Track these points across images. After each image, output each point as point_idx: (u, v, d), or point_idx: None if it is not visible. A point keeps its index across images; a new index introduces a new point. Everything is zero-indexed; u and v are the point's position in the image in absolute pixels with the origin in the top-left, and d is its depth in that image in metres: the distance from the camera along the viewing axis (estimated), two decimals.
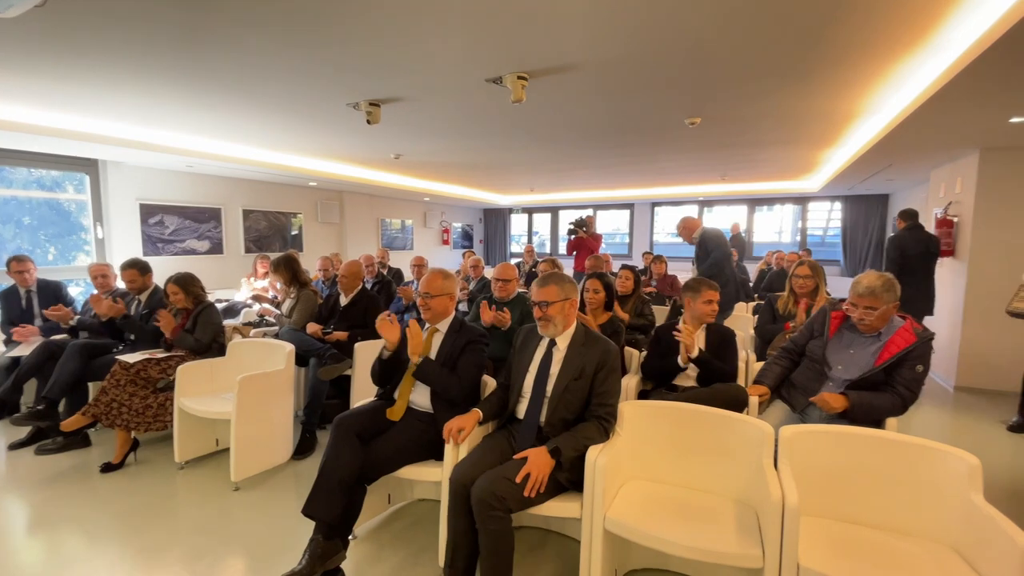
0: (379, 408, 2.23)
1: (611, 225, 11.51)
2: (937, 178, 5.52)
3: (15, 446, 3.26)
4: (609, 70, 3.05)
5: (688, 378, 2.63)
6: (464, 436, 1.99)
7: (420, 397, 2.26)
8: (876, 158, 5.14)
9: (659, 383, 2.70)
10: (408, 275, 5.90)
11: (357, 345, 3.49)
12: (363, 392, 3.23)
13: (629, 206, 10.97)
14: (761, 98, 3.62)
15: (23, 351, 3.53)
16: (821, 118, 4.21)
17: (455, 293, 2.39)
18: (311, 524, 1.95)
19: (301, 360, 3.37)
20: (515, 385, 2.13)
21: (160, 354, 3.20)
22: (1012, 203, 4.44)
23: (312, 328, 3.49)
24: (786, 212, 9.91)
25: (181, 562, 2.14)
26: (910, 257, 4.52)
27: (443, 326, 2.35)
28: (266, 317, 4.42)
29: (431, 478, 2.08)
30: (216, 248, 6.76)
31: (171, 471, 2.97)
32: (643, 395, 2.70)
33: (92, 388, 3.45)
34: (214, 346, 3.35)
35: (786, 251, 7.21)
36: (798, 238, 9.64)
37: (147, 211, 5.97)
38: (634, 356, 3.00)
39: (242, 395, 2.73)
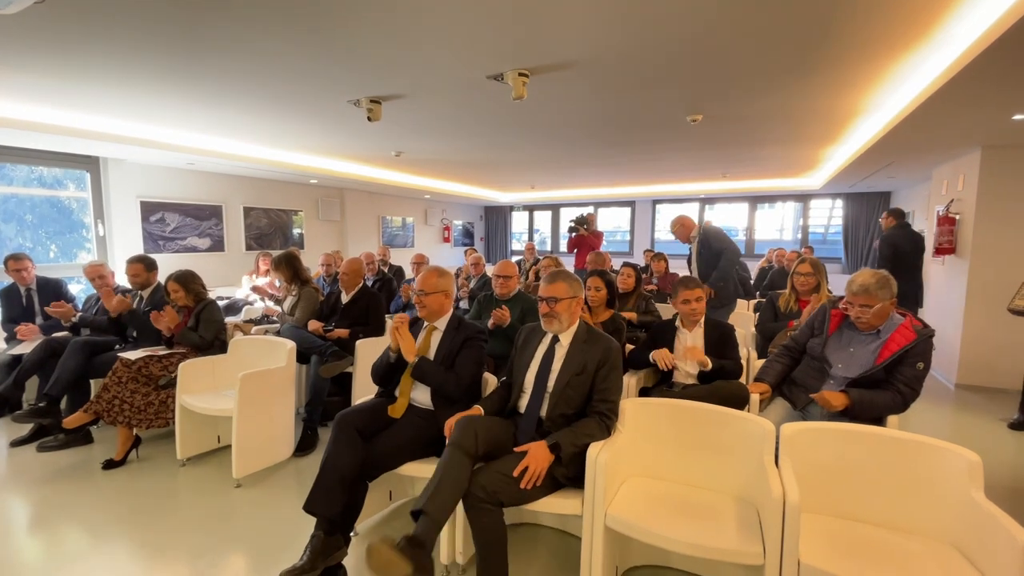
0: (380, 405, 2.23)
1: (612, 223, 11.50)
2: (939, 176, 5.51)
3: (17, 443, 3.27)
4: (610, 67, 3.05)
5: (689, 376, 2.64)
6: None
7: (421, 394, 2.27)
8: (878, 156, 5.13)
9: (658, 381, 2.72)
10: (409, 273, 5.90)
11: (358, 343, 3.50)
12: (364, 389, 3.24)
13: (630, 203, 10.96)
14: (763, 95, 3.61)
15: (24, 349, 3.54)
16: (823, 116, 4.20)
17: (451, 291, 2.40)
18: (312, 521, 1.95)
19: (302, 357, 3.37)
20: (516, 381, 2.14)
21: (161, 351, 3.20)
22: (1014, 201, 4.43)
23: (313, 325, 3.49)
24: (788, 210, 9.90)
25: (183, 559, 2.15)
26: (904, 254, 4.53)
27: (441, 324, 2.35)
28: (269, 316, 4.43)
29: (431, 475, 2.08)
30: (217, 246, 6.77)
31: (173, 468, 2.97)
32: (644, 392, 2.71)
33: (94, 385, 3.46)
34: (216, 343, 3.35)
35: (788, 248, 7.20)
36: (799, 236, 9.62)
37: (148, 208, 5.98)
38: None
39: (243, 392, 2.73)
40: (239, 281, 5.98)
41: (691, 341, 2.68)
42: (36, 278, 3.97)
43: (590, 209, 10.93)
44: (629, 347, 3.05)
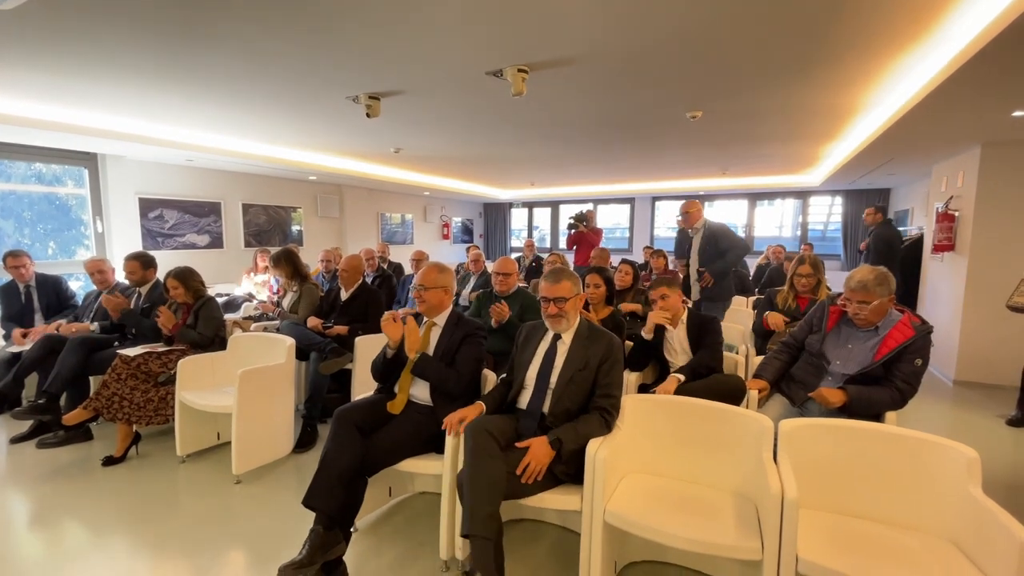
0: (380, 401, 2.24)
1: (612, 219, 11.49)
2: (939, 172, 5.51)
3: (17, 440, 3.27)
4: (610, 63, 3.04)
5: (674, 353, 2.77)
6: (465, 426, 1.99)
7: (420, 391, 2.27)
8: (878, 152, 5.13)
9: (645, 362, 2.84)
10: (408, 269, 5.90)
11: (358, 339, 3.50)
12: (364, 386, 3.24)
13: (630, 200, 10.95)
14: (763, 92, 3.60)
15: (24, 345, 3.54)
16: (823, 112, 4.19)
17: (451, 287, 2.41)
18: (312, 517, 1.96)
19: (302, 354, 3.37)
20: (517, 378, 2.15)
21: (161, 348, 3.20)
22: (1013, 197, 4.43)
23: (312, 322, 3.49)
24: (787, 207, 9.89)
25: (183, 555, 2.15)
26: (897, 250, 4.53)
27: (440, 320, 2.36)
28: (267, 313, 4.43)
29: (431, 471, 2.09)
30: (216, 242, 6.75)
31: (173, 464, 2.98)
32: (643, 389, 2.72)
33: (93, 382, 3.46)
34: (216, 340, 3.35)
35: (787, 245, 7.20)
36: (799, 233, 9.62)
37: (146, 205, 5.96)
38: None
39: (243, 389, 2.74)
40: (238, 278, 5.98)
41: (676, 338, 2.78)
42: (35, 275, 3.96)
43: (589, 206, 10.92)
44: (628, 344, 3.06)
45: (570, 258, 7.79)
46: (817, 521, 1.74)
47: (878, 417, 2.17)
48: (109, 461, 2.96)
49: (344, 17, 2.43)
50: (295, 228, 7.91)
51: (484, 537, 1.63)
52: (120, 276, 3.92)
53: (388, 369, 2.31)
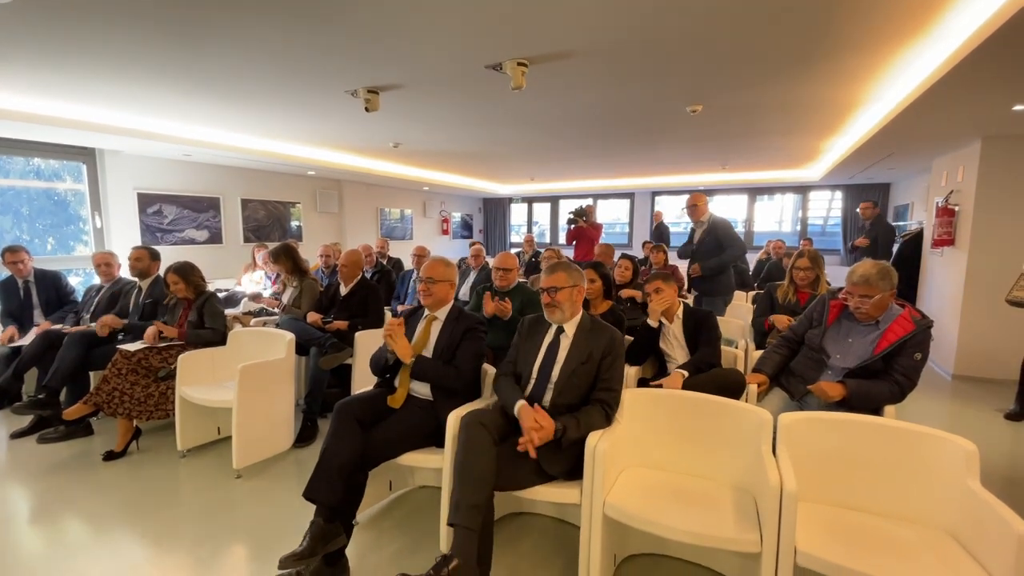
0: (380, 395, 2.24)
1: (611, 214, 11.48)
2: (939, 167, 5.50)
3: (17, 435, 3.27)
4: (610, 56, 3.02)
5: (671, 346, 2.77)
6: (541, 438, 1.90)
7: (421, 385, 2.28)
8: (878, 147, 5.12)
9: (644, 356, 2.84)
10: (408, 264, 5.89)
11: (357, 334, 3.50)
12: (364, 381, 3.24)
13: (629, 195, 10.93)
14: (764, 85, 3.59)
15: (23, 341, 3.54)
16: (823, 106, 4.18)
17: (455, 281, 2.42)
18: (312, 510, 1.96)
19: (302, 349, 3.37)
20: (523, 372, 2.15)
21: (161, 343, 3.20)
22: (1013, 192, 4.42)
23: (312, 317, 3.50)
24: (787, 201, 9.88)
25: (184, 548, 2.16)
26: (891, 242, 4.53)
27: (441, 314, 2.36)
28: (267, 308, 4.42)
29: (432, 465, 2.10)
30: (215, 238, 6.75)
31: (173, 459, 2.99)
32: (642, 383, 2.72)
33: (93, 377, 3.46)
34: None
35: (787, 240, 7.20)
36: (798, 228, 9.62)
37: (145, 200, 5.95)
38: None
39: (243, 384, 2.74)
40: (238, 274, 5.96)
41: (672, 333, 2.79)
42: (33, 270, 3.96)
43: (589, 201, 10.90)
44: (628, 338, 3.06)
45: (570, 253, 7.80)
46: (816, 514, 1.74)
47: (877, 411, 2.17)
48: (110, 456, 2.96)
49: (342, 10, 2.41)
50: (294, 224, 7.90)
51: (467, 528, 1.64)
52: (125, 271, 3.91)
53: (388, 366, 2.32)
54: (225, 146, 5.51)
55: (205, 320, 3.30)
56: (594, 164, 7.66)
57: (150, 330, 3.17)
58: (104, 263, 3.80)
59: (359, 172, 7.44)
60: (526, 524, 2.36)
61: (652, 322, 2.75)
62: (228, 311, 4.03)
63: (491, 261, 3.55)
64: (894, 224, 7.25)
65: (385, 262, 6.06)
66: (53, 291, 4.01)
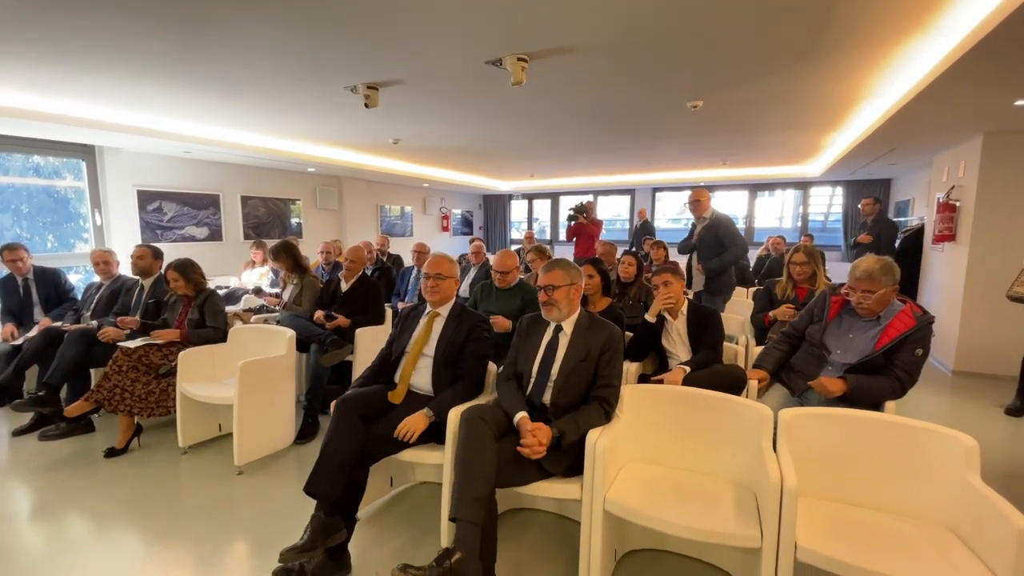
0: (381, 391, 2.24)
1: (612, 211, 11.46)
2: (940, 162, 5.48)
3: (19, 432, 3.28)
4: (611, 51, 3.01)
5: (673, 343, 2.75)
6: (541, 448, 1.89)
7: (422, 380, 2.28)
8: (879, 142, 5.10)
9: (645, 352, 2.84)
10: (408, 261, 5.88)
11: (358, 331, 3.50)
12: None
13: (630, 192, 10.91)
14: (764, 80, 3.58)
15: (23, 338, 3.54)
16: (824, 101, 4.16)
17: (459, 277, 2.41)
18: (314, 505, 1.97)
19: (302, 346, 3.38)
20: (524, 372, 2.15)
21: (161, 340, 3.20)
22: (1014, 187, 4.41)
23: (317, 315, 3.50)
24: (787, 197, 9.87)
25: (185, 545, 2.17)
26: (893, 238, 4.52)
27: (444, 311, 2.36)
28: (268, 306, 4.41)
29: (433, 461, 2.10)
30: (215, 235, 6.74)
31: (175, 456, 2.99)
32: (643, 379, 2.72)
33: (94, 374, 3.46)
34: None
35: (787, 237, 7.20)
36: (799, 224, 9.60)
37: (145, 197, 5.94)
38: None
39: (244, 380, 2.74)
40: (238, 271, 5.97)
41: (675, 329, 2.77)
42: (33, 268, 3.96)
43: (589, 197, 10.88)
44: (628, 335, 3.06)
45: (570, 250, 7.79)
46: (816, 509, 1.75)
47: (877, 406, 2.17)
48: (111, 453, 2.97)
49: (342, 6, 2.40)
50: (294, 221, 7.89)
51: (470, 522, 1.64)
52: (124, 269, 3.91)
53: (389, 364, 2.34)
54: (225, 143, 5.50)
55: (206, 317, 3.30)
56: (594, 160, 7.65)
57: (160, 332, 3.16)
58: (103, 261, 3.80)
59: (359, 169, 7.43)
60: (527, 520, 2.36)
61: (650, 317, 2.75)
62: (228, 308, 4.03)
63: (491, 258, 3.53)
64: (896, 220, 7.25)
65: (385, 259, 6.06)
66: (53, 289, 4.01)
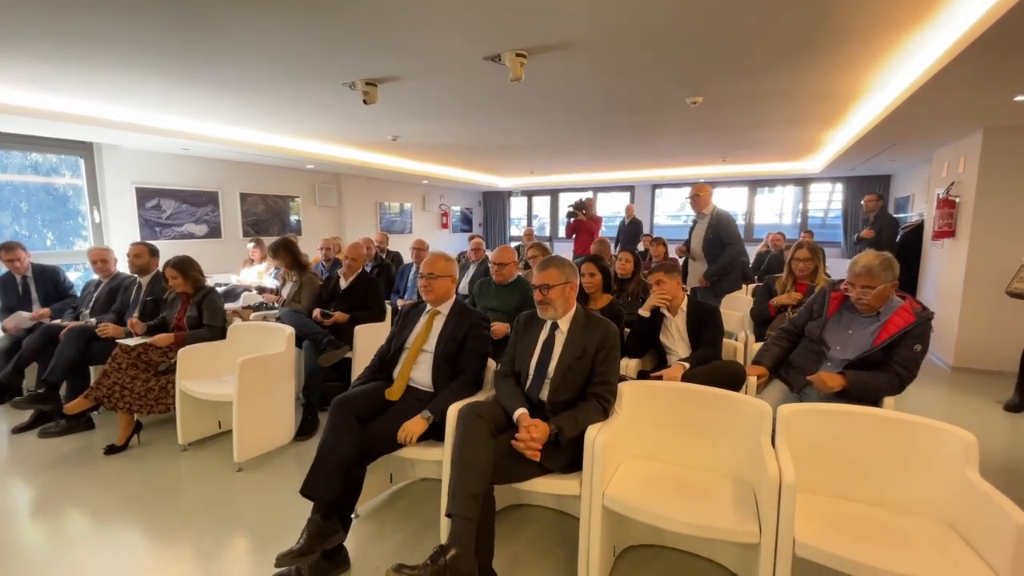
0: (378, 389, 2.24)
1: (611, 208, 11.44)
2: (940, 158, 5.48)
3: (18, 430, 3.28)
4: (610, 47, 3.00)
5: (672, 340, 2.75)
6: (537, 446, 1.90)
7: (421, 374, 2.28)
8: (879, 137, 5.09)
9: (644, 348, 2.84)
10: (407, 258, 5.88)
11: (357, 328, 3.50)
12: None
13: (629, 188, 10.89)
14: (765, 76, 3.57)
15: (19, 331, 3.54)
16: (825, 97, 4.15)
17: (456, 276, 2.41)
18: (311, 505, 1.97)
19: (298, 341, 3.37)
20: (521, 369, 2.15)
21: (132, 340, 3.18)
22: (1014, 183, 4.41)
23: (315, 314, 3.50)
24: (787, 194, 9.85)
25: (186, 541, 2.17)
26: (895, 234, 4.52)
27: (444, 309, 2.36)
28: (267, 303, 4.41)
29: (432, 457, 2.10)
30: (214, 232, 6.73)
31: (175, 453, 2.99)
32: (642, 376, 2.72)
33: (93, 372, 3.47)
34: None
35: (787, 233, 7.20)
36: (799, 220, 9.59)
37: (143, 195, 5.93)
38: None
39: (243, 378, 2.74)
40: (237, 268, 5.96)
41: (675, 326, 2.77)
42: (32, 265, 3.95)
43: (589, 194, 10.87)
44: (627, 331, 3.06)
45: (569, 246, 7.78)
46: (815, 505, 1.75)
47: (876, 402, 2.17)
48: (111, 450, 2.97)
49: (341, 2, 2.39)
50: (293, 218, 7.88)
51: (465, 517, 1.64)
52: (122, 266, 3.91)
53: (387, 361, 2.34)
54: (223, 140, 5.49)
55: (204, 315, 3.29)
56: (594, 157, 7.63)
57: (159, 337, 3.14)
58: (100, 259, 3.77)
59: (358, 165, 7.41)
60: (526, 516, 2.37)
61: (644, 312, 2.75)
62: (227, 305, 4.02)
63: (491, 255, 3.53)
64: (896, 216, 7.24)
65: (384, 256, 6.05)
66: (52, 286, 4.01)
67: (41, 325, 3.54)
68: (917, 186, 7.16)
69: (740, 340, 3.10)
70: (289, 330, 3.08)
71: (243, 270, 5.68)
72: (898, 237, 6.13)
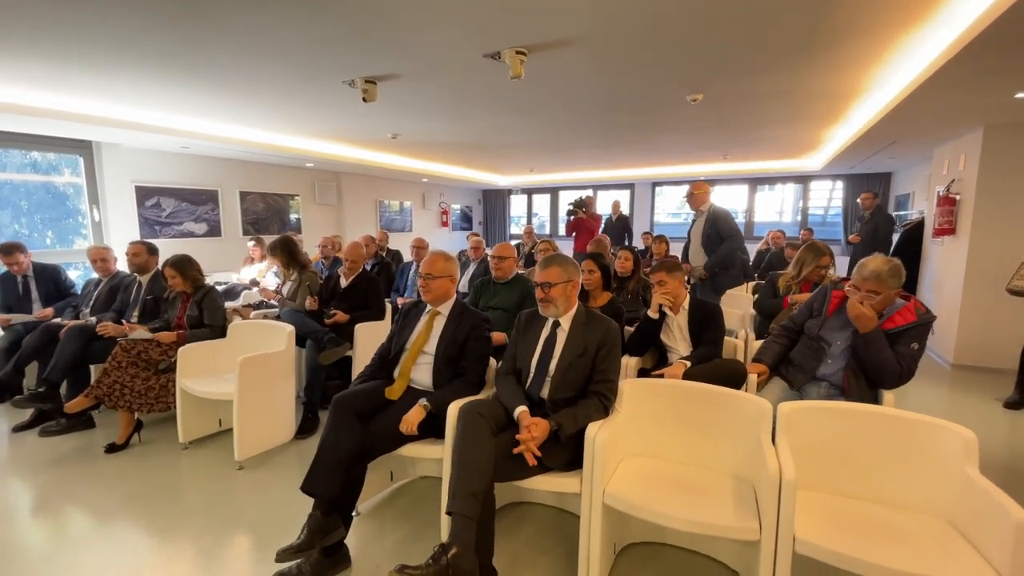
0: (379, 387, 2.24)
1: (611, 205, 11.40)
2: (940, 155, 5.47)
3: (19, 428, 3.28)
4: (610, 44, 2.99)
5: (674, 339, 2.75)
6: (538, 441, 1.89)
7: (422, 375, 2.28)
8: (880, 135, 5.08)
9: (645, 347, 2.84)
10: (407, 256, 5.88)
11: (357, 327, 3.50)
12: None
13: (629, 186, 10.88)
14: (765, 73, 3.56)
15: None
16: (825, 94, 4.15)
17: (456, 275, 2.40)
18: (312, 504, 1.97)
19: (301, 341, 3.38)
20: (522, 367, 2.15)
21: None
22: (1015, 180, 4.40)
23: (310, 303, 3.50)
24: (787, 192, 9.84)
25: (187, 540, 2.18)
26: (891, 232, 4.51)
27: (444, 309, 2.35)
28: (267, 301, 4.41)
29: (432, 455, 2.10)
30: (214, 230, 6.73)
31: (175, 451, 3.00)
32: (642, 373, 2.72)
33: (93, 370, 3.47)
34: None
35: (787, 231, 7.20)
36: (799, 218, 9.58)
37: (143, 193, 5.93)
38: None
39: (243, 376, 2.74)
40: (237, 267, 5.96)
41: (676, 324, 2.77)
42: (32, 264, 3.94)
43: (589, 192, 10.86)
44: (628, 329, 3.06)
45: (569, 244, 7.78)
46: (815, 502, 1.75)
47: (876, 400, 2.18)
48: (112, 448, 2.97)
49: None
50: (293, 216, 7.87)
51: (465, 516, 1.64)
52: (121, 265, 3.90)
53: (388, 360, 2.34)
54: (223, 138, 5.48)
55: (204, 314, 3.29)
56: (594, 155, 7.62)
57: (108, 325, 3.17)
58: (100, 258, 3.77)
59: (358, 164, 7.41)
60: (526, 513, 2.37)
61: (652, 313, 2.75)
62: (228, 304, 4.02)
63: (490, 251, 3.54)
64: (895, 214, 7.24)
65: (384, 254, 6.05)
66: (52, 285, 4.01)
67: (42, 324, 3.54)
68: (917, 184, 7.15)
69: (740, 338, 3.10)
70: (289, 328, 3.08)
71: (243, 268, 5.68)
72: (894, 235, 6.13)
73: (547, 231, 12.10)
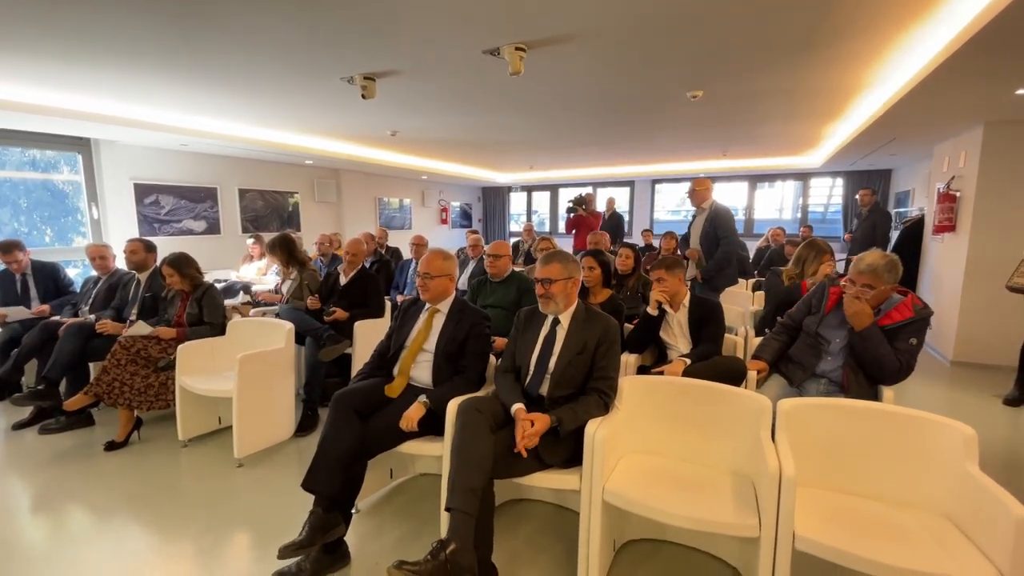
0: (378, 385, 2.24)
1: (605, 202, 11.40)
2: (940, 152, 5.46)
3: (18, 426, 3.28)
4: (610, 40, 2.98)
5: (673, 336, 2.75)
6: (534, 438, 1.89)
7: (421, 373, 2.27)
8: (880, 132, 5.08)
9: (645, 344, 2.84)
10: (407, 254, 5.87)
11: (356, 324, 3.50)
12: None
13: (629, 183, 10.88)
14: (765, 70, 3.55)
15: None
16: (825, 91, 4.14)
17: (455, 274, 2.39)
18: (312, 501, 1.97)
19: (301, 339, 3.37)
20: (522, 365, 2.15)
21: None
22: (1015, 177, 4.40)
23: (311, 302, 3.50)
24: (787, 189, 9.83)
25: (187, 538, 2.18)
26: (888, 229, 4.50)
27: (444, 307, 2.34)
28: (266, 301, 4.40)
29: (432, 452, 2.10)
30: (213, 228, 6.72)
31: (175, 449, 3.00)
32: (642, 370, 2.72)
33: (93, 368, 3.46)
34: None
35: (787, 228, 7.20)
36: (799, 215, 9.58)
37: (142, 191, 5.92)
38: None
39: (243, 373, 2.74)
40: (236, 264, 5.95)
41: (676, 321, 2.76)
42: (31, 262, 3.94)
43: (589, 189, 10.85)
44: (628, 327, 3.06)
45: (569, 242, 7.77)
46: (814, 499, 1.75)
47: (876, 396, 2.18)
48: (111, 446, 2.97)
49: None
50: (292, 214, 7.86)
51: (464, 512, 1.64)
52: (120, 262, 3.90)
53: (387, 359, 2.34)
54: (222, 135, 5.47)
55: (204, 312, 3.28)
56: (594, 152, 7.61)
57: (160, 330, 3.14)
58: (98, 256, 3.76)
59: (357, 161, 7.40)
60: (526, 510, 2.37)
61: (651, 310, 2.75)
62: (227, 301, 4.02)
63: (486, 247, 3.53)
64: (895, 211, 7.23)
65: (384, 252, 6.04)
66: (51, 283, 4.00)
67: (40, 321, 3.54)
68: (917, 181, 7.15)
69: (740, 335, 3.10)
70: (288, 326, 3.07)
71: (243, 266, 5.67)
72: (893, 232, 6.13)
73: (547, 228, 12.09)
